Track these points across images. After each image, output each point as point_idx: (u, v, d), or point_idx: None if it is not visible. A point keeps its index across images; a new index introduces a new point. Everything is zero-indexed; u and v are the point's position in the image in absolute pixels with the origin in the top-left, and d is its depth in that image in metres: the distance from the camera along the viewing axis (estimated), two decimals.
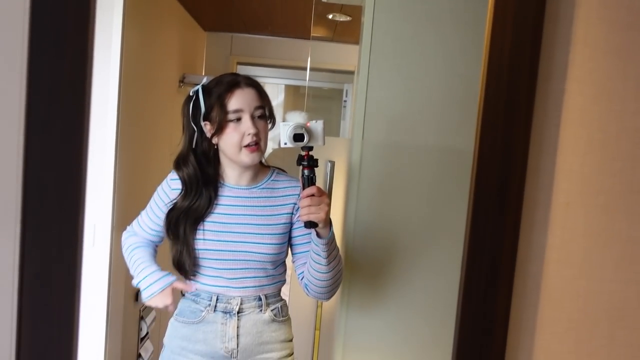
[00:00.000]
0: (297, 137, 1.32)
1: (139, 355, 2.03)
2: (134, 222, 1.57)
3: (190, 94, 1.44)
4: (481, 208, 0.80)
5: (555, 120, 0.84)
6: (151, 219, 1.51)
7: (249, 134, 1.39)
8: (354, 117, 1.83)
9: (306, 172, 1.33)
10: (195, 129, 1.43)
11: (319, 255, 1.39)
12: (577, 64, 0.84)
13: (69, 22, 0.79)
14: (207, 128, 1.42)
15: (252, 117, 1.40)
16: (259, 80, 1.50)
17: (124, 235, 1.57)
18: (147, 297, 1.44)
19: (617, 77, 0.85)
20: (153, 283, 1.44)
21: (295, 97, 4.08)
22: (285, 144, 1.34)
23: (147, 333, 2.08)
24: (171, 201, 1.47)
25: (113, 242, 1.74)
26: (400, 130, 1.77)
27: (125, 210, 1.79)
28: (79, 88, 0.81)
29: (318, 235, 1.37)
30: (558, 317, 0.86)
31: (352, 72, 2.74)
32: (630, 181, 0.86)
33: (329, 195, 1.78)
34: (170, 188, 1.48)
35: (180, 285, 1.45)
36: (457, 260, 0.93)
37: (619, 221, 0.87)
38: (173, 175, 1.49)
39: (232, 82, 1.41)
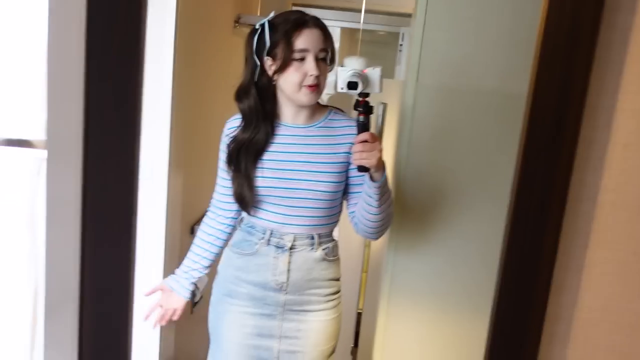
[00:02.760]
0: (352, 84, 1.32)
1: (195, 286, 2.13)
2: (213, 196, 1.61)
3: (256, 27, 1.45)
4: (534, 145, 0.78)
5: (620, 56, 0.80)
6: (223, 170, 1.55)
7: (311, 75, 1.40)
8: (409, 59, 1.80)
9: (361, 118, 1.34)
10: (258, 63, 1.44)
11: (371, 197, 1.41)
12: None
13: None
14: (269, 64, 1.43)
15: (316, 58, 1.40)
16: None
17: (205, 216, 1.63)
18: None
19: None
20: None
21: (351, 42, 4.02)
22: (342, 89, 1.34)
23: None
24: (229, 136, 1.51)
25: (170, 177, 1.80)
26: (455, 73, 1.73)
27: (182, 147, 1.85)
28: (133, 26, 0.83)
29: (371, 178, 1.38)
30: (609, 258, 0.84)
31: (409, 15, 2.66)
32: None
33: (380, 137, 1.78)
34: (228, 138, 1.52)
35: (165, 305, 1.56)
36: (506, 208, 0.91)
37: None
38: (228, 125, 1.53)
39: (300, 20, 1.41)
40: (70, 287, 0.96)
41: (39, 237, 1.29)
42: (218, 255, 1.61)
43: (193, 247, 1.61)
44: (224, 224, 1.60)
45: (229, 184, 1.56)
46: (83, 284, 0.95)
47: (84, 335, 0.95)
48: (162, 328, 1.79)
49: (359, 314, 1.91)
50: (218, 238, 1.59)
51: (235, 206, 1.58)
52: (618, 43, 0.79)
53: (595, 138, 0.82)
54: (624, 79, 0.80)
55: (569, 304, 0.85)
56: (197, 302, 2.14)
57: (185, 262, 1.60)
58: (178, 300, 1.58)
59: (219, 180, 1.59)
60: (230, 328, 1.53)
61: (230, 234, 1.61)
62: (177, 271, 1.59)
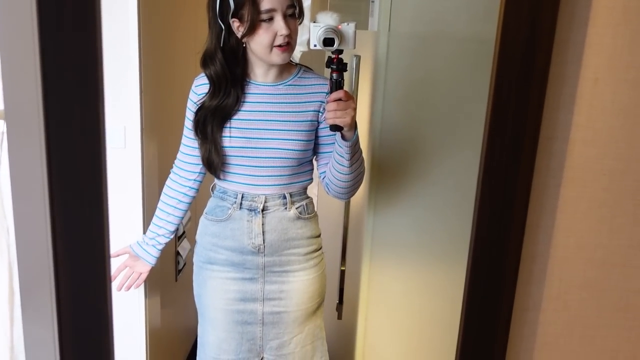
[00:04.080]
0: (327, 41, 1.28)
1: (178, 253, 2.12)
2: (177, 156, 1.58)
3: None
4: (504, 83, 0.77)
5: None
6: (188, 129, 1.52)
7: (281, 35, 1.36)
8: (380, 8, 1.76)
9: (334, 75, 1.31)
10: (223, 26, 1.40)
11: (342, 156, 1.40)
12: None
13: None
14: (236, 26, 1.39)
15: (284, 17, 1.36)
16: None
17: (168, 179, 1.60)
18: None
19: None
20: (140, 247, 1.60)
21: None
22: (315, 46, 1.30)
23: (184, 232, 2.16)
24: (199, 100, 1.47)
25: (143, 143, 1.77)
26: (427, 20, 1.70)
27: (154, 111, 1.81)
28: None
29: (343, 137, 1.37)
30: (581, 196, 0.85)
31: None
32: None
33: (355, 91, 1.76)
34: (196, 95, 1.48)
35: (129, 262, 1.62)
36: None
37: None
38: (197, 82, 1.49)
39: None
40: (43, 259, 0.94)
41: (8, 210, 1.26)
42: (182, 219, 1.61)
43: (157, 212, 1.60)
44: (187, 186, 1.58)
45: (193, 143, 1.54)
46: (56, 255, 0.93)
47: (61, 306, 0.93)
48: (147, 297, 1.79)
49: (343, 271, 1.92)
50: (181, 201, 1.58)
51: (198, 168, 1.56)
52: None
53: (566, 74, 0.81)
54: (592, 11, 0.79)
55: (544, 243, 0.86)
56: (181, 270, 2.14)
57: (151, 227, 1.59)
58: (144, 265, 1.58)
59: (183, 140, 1.56)
60: (213, 295, 1.53)
61: (193, 197, 1.60)
62: (144, 237, 1.59)
